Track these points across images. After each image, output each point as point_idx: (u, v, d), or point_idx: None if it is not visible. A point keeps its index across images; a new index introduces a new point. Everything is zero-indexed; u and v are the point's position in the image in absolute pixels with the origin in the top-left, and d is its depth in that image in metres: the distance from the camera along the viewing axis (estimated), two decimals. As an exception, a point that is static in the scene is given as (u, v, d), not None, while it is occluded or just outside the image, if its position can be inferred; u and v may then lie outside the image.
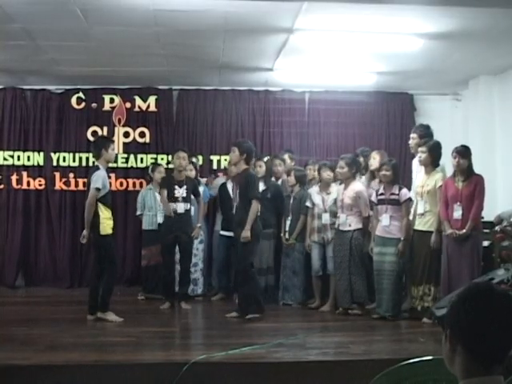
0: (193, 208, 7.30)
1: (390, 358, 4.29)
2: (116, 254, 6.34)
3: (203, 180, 8.15)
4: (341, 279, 6.52)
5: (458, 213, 5.88)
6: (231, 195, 7.48)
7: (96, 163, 6.30)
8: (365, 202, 6.50)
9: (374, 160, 6.81)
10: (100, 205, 6.03)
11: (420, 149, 6.28)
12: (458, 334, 1.62)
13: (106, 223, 6.04)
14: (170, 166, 7.79)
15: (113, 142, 6.47)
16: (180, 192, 6.85)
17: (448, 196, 5.97)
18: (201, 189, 7.63)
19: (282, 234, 7.23)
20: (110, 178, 6.45)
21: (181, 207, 6.84)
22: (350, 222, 6.52)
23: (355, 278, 6.47)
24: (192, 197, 7.05)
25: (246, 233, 6.09)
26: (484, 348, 1.59)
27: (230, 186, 7.62)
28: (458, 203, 5.89)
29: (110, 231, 6.09)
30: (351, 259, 6.48)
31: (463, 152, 5.94)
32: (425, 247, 6.08)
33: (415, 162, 6.76)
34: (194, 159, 7.82)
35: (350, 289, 6.46)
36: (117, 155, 8.61)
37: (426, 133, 6.62)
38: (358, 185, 6.66)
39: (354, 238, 6.48)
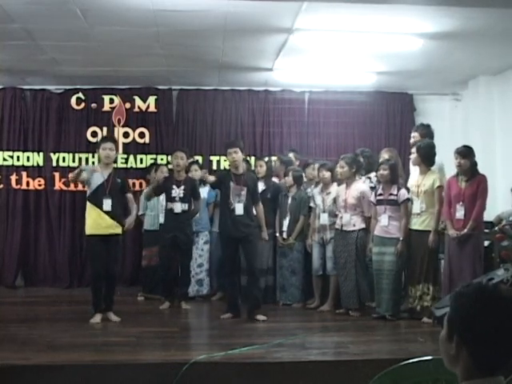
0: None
1: (389, 358, 4.29)
2: (99, 256, 5.94)
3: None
4: (346, 280, 6.47)
5: (460, 213, 5.88)
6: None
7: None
8: (368, 202, 6.49)
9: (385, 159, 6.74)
10: (88, 204, 6.02)
11: (412, 149, 6.30)
12: (469, 339, 1.57)
13: (89, 223, 5.99)
14: (170, 166, 7.78)
15: (105, 140, 6.26)
16: (177, 192, 6.80)
17: (451, 196, 5.97)
18: (206, 189, 7.61)
19: (277, 234, 7.22)
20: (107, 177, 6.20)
21: (177, 207, 6.77)
22: (354, 222, 6.49)
23: (361, 278, 6.45)
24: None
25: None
26: (494, 356, 1.56)
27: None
28: (461, 203, 5.89)
29: (93, 231, 5.96)
30: (357, 259, 6.45)
31: (464, 152, 5.93)
32: (422, 247, 6.07)
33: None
34: (197, 159, 7.85)
35: (356, 289, 6.44)
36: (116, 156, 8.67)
37: (426, 132, 6.62)
38: (362, 184, 6.65)
39: (359, 238, 6.46)
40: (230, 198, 6.26)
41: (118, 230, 6.04)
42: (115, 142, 6.40)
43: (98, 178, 6.00)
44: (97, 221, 5.95)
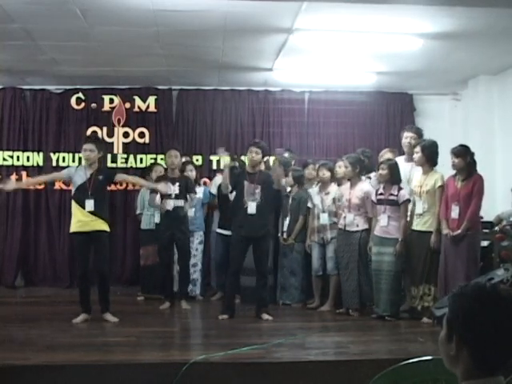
0: (192, 209, 7.29)
1: (389, 358, 4.29)
2: (81, 255, 6.02)
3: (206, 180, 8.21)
4: (348, 280, 6.46)
5: (455, 212, 5.86)
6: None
7: None
8: (371, 203, 6.48)
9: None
10: (72, 202, 6.04)
11: (415, 149, 6.27)
12: (469, 339, 1.57)
13: (73, 221, 6.00)
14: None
15: (85, 141, 6.19)
16: (172, 189, 6.80)
17: (448, 195, 5.97)
18: (201, 189, 7.65)
19: (279, 235, 7.23)
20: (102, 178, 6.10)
21: (170, 204, 6.76)
22: (357, 223, 6.47)
23: (364, 278, 6.44)
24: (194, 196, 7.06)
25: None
26: (494, 356, 1.56)
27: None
28: (456, 203, 5.88)
29: (74, 229, 5.98)
30: (360, 260, 6.45)
31: (457, 152, 5.91)
32: (424, 247, 6.07)
33: (399, 160, 6.66)
34: (197, 158, 7.87)
35: (358, 289, 6.43)
36: (116, 155, 8.68)
37: (420, 132, 6.63)
38: (366, 185, 6.62)
39: (362, 239, 6.44)
40: (244, 196, 6.25)
41: (103, 226, 5.99)
42: (98, 141, 6.35)
43: (81, 178, 5.99)
44: (81, 219, 5.94)
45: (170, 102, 8.92)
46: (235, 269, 6.30)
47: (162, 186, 6.36)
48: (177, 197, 6.82)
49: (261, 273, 6.29)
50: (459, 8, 5.60)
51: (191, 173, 7.40)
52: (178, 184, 6.84)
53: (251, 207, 6.21)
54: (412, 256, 6.16)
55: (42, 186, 8.66)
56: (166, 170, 7.60)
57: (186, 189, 6.91)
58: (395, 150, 7.09)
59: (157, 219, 7.46)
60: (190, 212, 7.24)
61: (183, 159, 7.42)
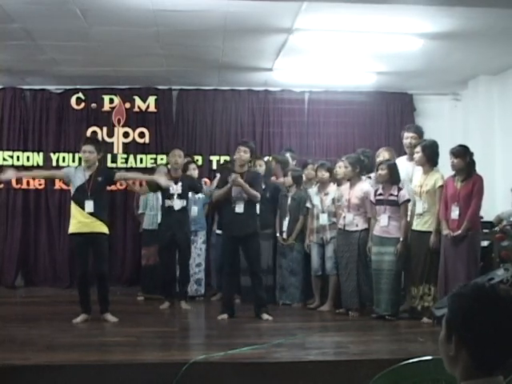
0: (196, 208, 7.29)
1: (389, 358, 4.29)
2: (81, 256, 6.03)
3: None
4: (348, 280, 6.46)
5: (455, 213, 5.85)
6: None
7: None
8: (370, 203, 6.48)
9: (384, 158, 6.71)
10: (72, 203, 6.02)
11: (416, 149, 6.26)
12: (468, 339, 1.56)
13: (72, 222, 5.99)
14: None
15: (85, 142, 6.14)
16: (175, 189, 6.79)
17: (448, 196, 5.96)
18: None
19: (277, 234, 7.23)
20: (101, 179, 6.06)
21: (177, 204, 6.75)
22: (357, 223, 6.46)
23: (363, 278, 6.44)
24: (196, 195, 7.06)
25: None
26: (493, 356, 1.56)
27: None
28: (456, 203, 5.87)
29: (73, 230, 5.97)
30: (359, 260, 6.44)
31: (457, 152, 5.90)
32: (424, 247, 6.06)
33: (400, 161, 6.66)
34: (197, 158, 7.89)
35: (357, 289, 6.43)
36: (116, 155, 8.68)
37: (421, 132, 6.62)
38: (366, 185, 6.62)
39: (361, 239, 6.43)
40: (231, 196, 6.26)
41: (103, 228, 5.98)
42: (97, 142, 6.33)
43: (80, 179, 5.97)
44: (80, 220, 5.93)
45: (170, 102, 8.92)
46: (230, 268, 6.29)
47: (162, 180, 6.31)
48: (179, 196, 6.81)
49: (254, 272, 6.28)
50: (459, 8, 5.60)
51: (194, 171, 7.41)
52: (180, 184, 6.82)
53: (239, 206, 6.22)
54: (412, 256, 6.16)
55: (41, 186, 8.67)
56: (168, 170, 7.61)
57: (191, 188, 6.90)
58: (391, 148, 7.07)
59: (159, 219, 7.46)
60: (194, 211, 7.25)
61: (185, 160, 7.42)
